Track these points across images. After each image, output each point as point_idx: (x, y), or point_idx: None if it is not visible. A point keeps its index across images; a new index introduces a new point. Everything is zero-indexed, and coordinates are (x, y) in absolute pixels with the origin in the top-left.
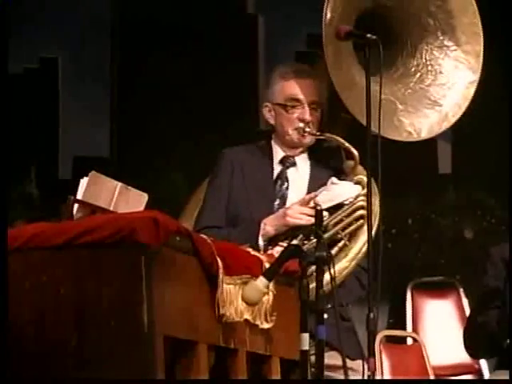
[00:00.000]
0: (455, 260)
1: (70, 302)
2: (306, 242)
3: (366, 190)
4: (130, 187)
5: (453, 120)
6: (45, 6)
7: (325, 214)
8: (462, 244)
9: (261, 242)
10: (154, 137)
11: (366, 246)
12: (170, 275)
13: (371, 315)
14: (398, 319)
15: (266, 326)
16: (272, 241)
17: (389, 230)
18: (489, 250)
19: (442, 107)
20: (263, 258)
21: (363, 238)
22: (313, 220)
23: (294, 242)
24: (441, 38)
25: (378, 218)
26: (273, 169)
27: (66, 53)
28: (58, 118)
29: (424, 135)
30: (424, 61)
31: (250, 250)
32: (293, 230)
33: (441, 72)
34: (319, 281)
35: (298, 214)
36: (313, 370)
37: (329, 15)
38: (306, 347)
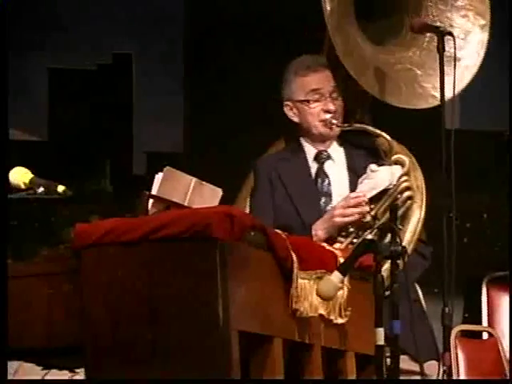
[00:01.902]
0: None
1: (144, 296)
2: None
3: (406, 169)
4: (204, 182)
5: (474, 70)
6: (118, 1)
7: (367, 208)
8: None
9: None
10: (228, 133)
11: (421, 224)
12: (245, 270)
13: (446, 310)
14: (473, 314)
15: (340, 320)
16: (326, 242)
17: (464, 225)
18: None
19: (460, 61)
20: (338, 252)
21: (415, 218)
22: (357, 215)
23: (369, 236)
24: None
25: (424, 192)
26: (309, 167)
27: (140, 48)
28: (131, 114)
29: (449, 95)
30: (432, 17)
31: (324, 244)
32: (345, 228)
33: (451, 25)
34: (394, 275)
35: (343, 212)
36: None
37: (328, 8)
38: (382, 342)
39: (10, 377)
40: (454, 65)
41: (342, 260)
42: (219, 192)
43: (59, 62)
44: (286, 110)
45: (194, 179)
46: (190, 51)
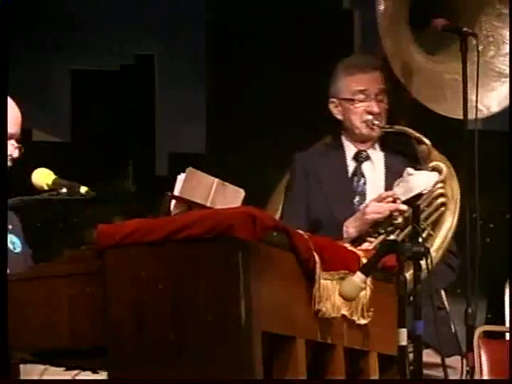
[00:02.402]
0: None
1: (167, 297)
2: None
3: (443, 177)
4: (226, 183)
5: None
6: (140, 2)
7: (404, 207)
8: None
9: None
10: (250, 133)
11: (451, 232)
12: (267, 271)
13: (469, 310)
14: (496, 315)
15: (362, 321)
16: (355, 241)
17: (487, 225)
18: None
19: (507, 78)
20: (360, 253)
21: (446, 225)
22: (388, 212)
23: (391, 237)
24: (498, 6)
25: (458, 202)
26: (347, 166)
27: (162, 49)
28: (154, 115)
29: (494, 110)
30: (485, 32)
31: (346, 245)
32: (375, 227)
33: (503, 42)
34: (417, 276)
35: (375, 209)
36: (411, 368)
37: (382, 6)
38: (404, 343)
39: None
40: (478, 66)
41: (364, 260)
42: (241, 193)
43: (82, 63)
44: (331, 106)
45: (217, 180)
46: (212, 52)
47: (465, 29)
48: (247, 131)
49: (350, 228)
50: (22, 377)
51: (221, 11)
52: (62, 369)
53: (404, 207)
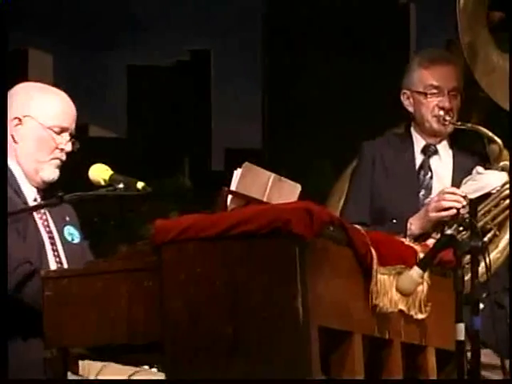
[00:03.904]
0: None
1: (224, 292)
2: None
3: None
4: (283, 178)
5: None
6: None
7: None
8: None
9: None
10: (305, 128)
11: None
12: (324, 266)
13: None
14: None
15: (420, 316)
16: (419, 238)
17: None
18: None
19: None
20: (417, 248)
21: None
22: (455, 210)
23: (449, 231)
24: None
25: None
26: (414, 158)
27: (218, 45)
28: (210, 111)
29: None
30: None
31: (404, 239)
32: (440, 225)
33: None
34: (474, 271)
35: (438, 206)
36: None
37: (462, 1)
38: (462, 337)
39: (91, 377)
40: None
41: (421, 255)
42: (298, 188)
43: (138, 60)
44: (403, 98)
45: (273, 175)
46: (268, 48)
47: None
48: (303, 126)
49: (413, 225)
50: (81, 372)
51: (277, 7)
52: (120, 365)
53: (464, 204)
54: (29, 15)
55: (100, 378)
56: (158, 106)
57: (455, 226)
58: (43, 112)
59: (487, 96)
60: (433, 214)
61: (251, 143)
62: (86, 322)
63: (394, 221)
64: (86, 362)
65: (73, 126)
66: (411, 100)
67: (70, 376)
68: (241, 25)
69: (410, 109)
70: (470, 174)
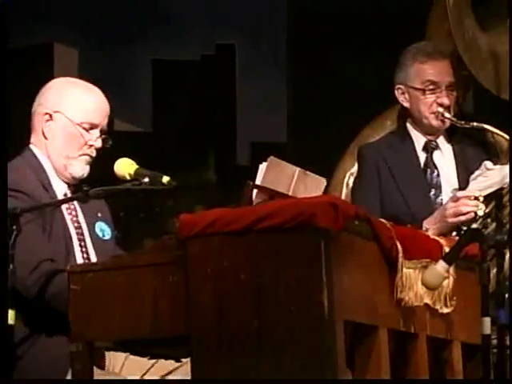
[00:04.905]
0: None
1: (249, 287)
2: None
3: None
4: (308, 172)
5: None
6: None
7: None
8: None
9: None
10: (330, 122)
11: None
12: (349, 260)
13: None
14: None
15: (445, 310)
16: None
17: None
18: None
19: None
20: (443, 241)
21: None
22: (473, 214)
23: (474, 225)
24: None
25: None
26: (418, 157)
27: (243, 39)
28: (235, 104)
29: None
30: None
31: (429, 233)
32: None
33: None
34: (500, 264)
35: (456, 211)
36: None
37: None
38: (488, 331)
39: (116, 369)
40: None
41: (447, 249)
42: (323, 182)
43: (163, 54)
44: (397, 93)
45: (298, 169)
46: (292, 41)
47: None
48: (329, 120)
49: (430, 228)
50: (107, 364)
51: (301, 2)
52: (146, 358)
53: (479, 206)
54: (54, 9)
55: (123, 372)
56: (183, 100)
57: (481, 219)
58: (73, 108)
59: (469, 75)
60: (452, 220)
61: (277, 137)
62: (112, 316)
63: (409, 225)
64: (111, 353)
65: (104, 123)
66: (407, 95)
67: (96, 371)
68: (265, 18)
69: (406, 104)
70: (470, 164)
